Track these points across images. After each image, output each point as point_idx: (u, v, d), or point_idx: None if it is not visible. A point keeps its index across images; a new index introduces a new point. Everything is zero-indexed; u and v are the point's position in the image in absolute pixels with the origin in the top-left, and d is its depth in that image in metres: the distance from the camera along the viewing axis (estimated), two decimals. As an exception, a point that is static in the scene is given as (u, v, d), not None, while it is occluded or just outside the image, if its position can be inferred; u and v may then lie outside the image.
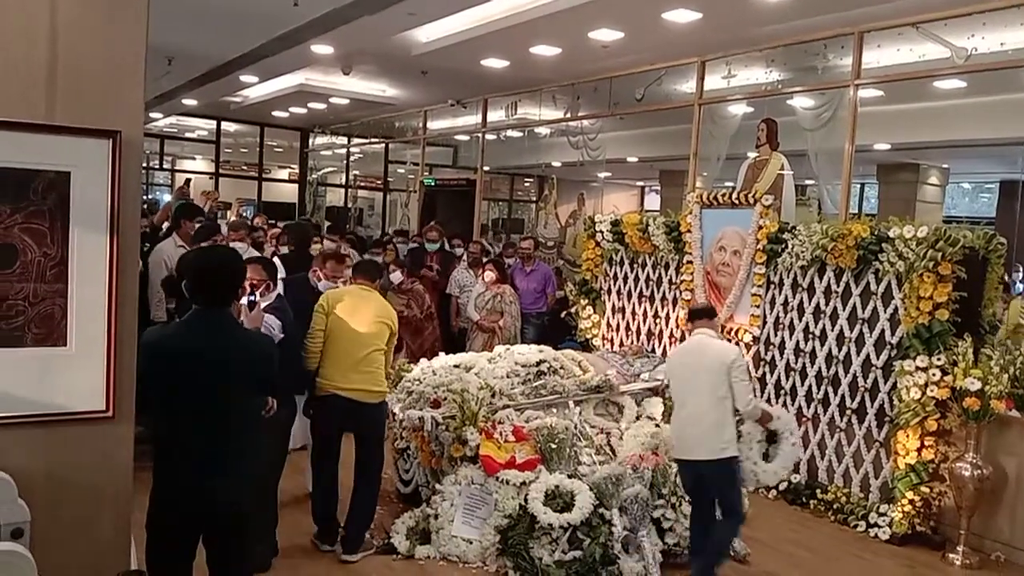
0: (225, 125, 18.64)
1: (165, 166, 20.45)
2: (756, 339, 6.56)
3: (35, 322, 2.85)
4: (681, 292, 7.21)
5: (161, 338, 3.09)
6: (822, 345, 6.11)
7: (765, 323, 6.52)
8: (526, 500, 4.77)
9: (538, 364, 5.87)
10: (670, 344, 7.37)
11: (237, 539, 3.09)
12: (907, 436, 5.45)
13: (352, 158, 19.58)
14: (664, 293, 7.48)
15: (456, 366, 5.84)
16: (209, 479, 2.95)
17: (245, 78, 13.25)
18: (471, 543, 4.79)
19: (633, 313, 7.77)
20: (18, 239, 2.82)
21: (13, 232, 2.81)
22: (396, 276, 7.74)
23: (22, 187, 2.81)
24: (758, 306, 6.55)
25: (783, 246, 6.31)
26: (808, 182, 10.00)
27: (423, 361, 6.04)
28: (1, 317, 2.81)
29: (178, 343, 3.02)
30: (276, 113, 16.84)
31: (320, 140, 18.85)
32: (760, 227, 6.49)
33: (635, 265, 7.77)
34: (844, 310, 5.98)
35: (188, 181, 13.79)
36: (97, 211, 2.90)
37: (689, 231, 7.09)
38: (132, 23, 2.93)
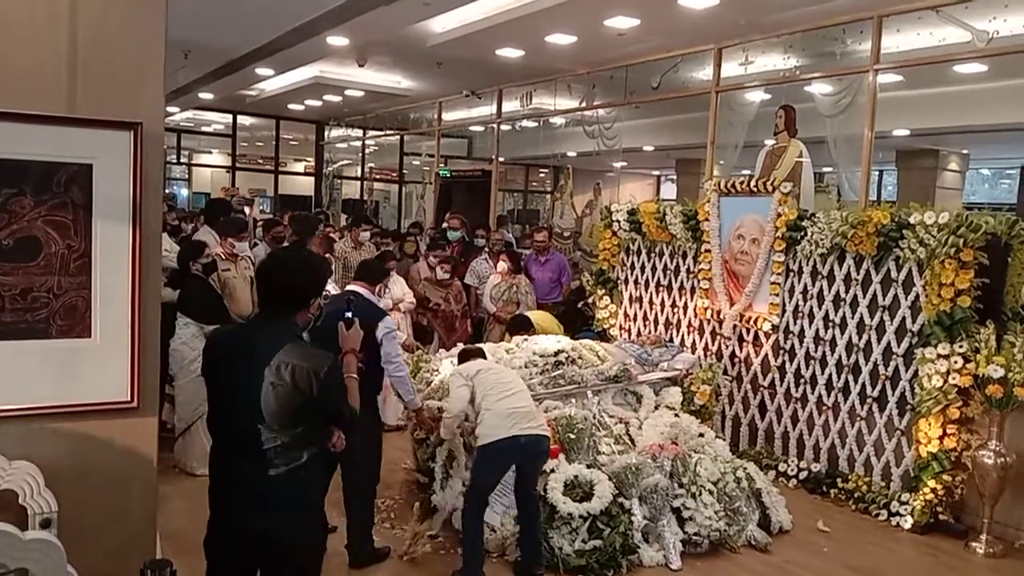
0: (241, 119, 18.74)
1: (182, 160, 20.57)
2: (775, 328, 6.52)
3: (59, 314, 2.87)
4: (699, 281, 7.18)
5: (215, 337, 2.97)
6: (842, 333, 6.07)
7: (784, 311, 6.48)
8: (545, 490, 4.77)
9: (556, 354, 5.87)
10: (688, 333, 7.34)
11: (289, 573, 2.80)
12: (929, 424, 5.41)
13: (367, 150, 19.62)
14: (682, 282, 7.44)
15: (474, 356, 5.84)
16: (251, 514, 2.66)
17: (261, 71, 13.30)
18: (492, 532, 4.80)
19: (651, 303, 7.75)
20: (42, 231, 2.83)
21: (37, 224, 2.83)
22: (442, 272, 8.02)
23: (45, 179, 2.82)
24: (777, 294, 6.50)
25: (802, 234, 6.26)
26: (827, 169, 9.96)
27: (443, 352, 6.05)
28: (26, 309, 2.83)
29: (225, 346, 2.82)
30: (292, 106, 16.90)
31: (335, 133, 18.92)
32: (779, 215, 6.44)
33: (652, 254, 7.73)
34: (864, 298, 5.93)
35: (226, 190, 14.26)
36: (120, 203, 2.90)
37: (707, 219, 7.04)
38: (152, 15, 2.93)
